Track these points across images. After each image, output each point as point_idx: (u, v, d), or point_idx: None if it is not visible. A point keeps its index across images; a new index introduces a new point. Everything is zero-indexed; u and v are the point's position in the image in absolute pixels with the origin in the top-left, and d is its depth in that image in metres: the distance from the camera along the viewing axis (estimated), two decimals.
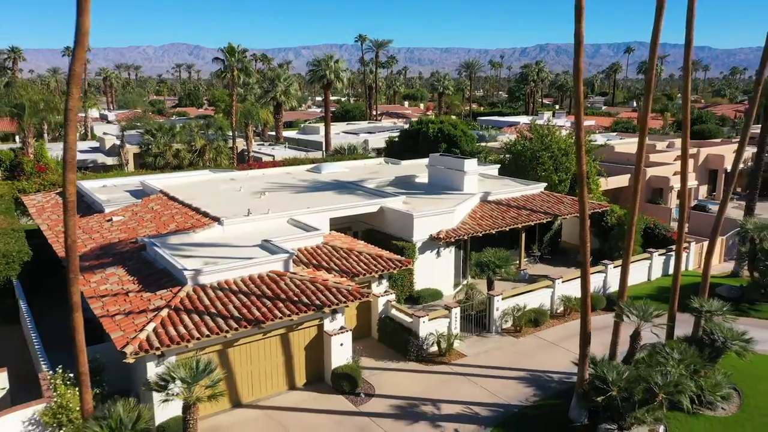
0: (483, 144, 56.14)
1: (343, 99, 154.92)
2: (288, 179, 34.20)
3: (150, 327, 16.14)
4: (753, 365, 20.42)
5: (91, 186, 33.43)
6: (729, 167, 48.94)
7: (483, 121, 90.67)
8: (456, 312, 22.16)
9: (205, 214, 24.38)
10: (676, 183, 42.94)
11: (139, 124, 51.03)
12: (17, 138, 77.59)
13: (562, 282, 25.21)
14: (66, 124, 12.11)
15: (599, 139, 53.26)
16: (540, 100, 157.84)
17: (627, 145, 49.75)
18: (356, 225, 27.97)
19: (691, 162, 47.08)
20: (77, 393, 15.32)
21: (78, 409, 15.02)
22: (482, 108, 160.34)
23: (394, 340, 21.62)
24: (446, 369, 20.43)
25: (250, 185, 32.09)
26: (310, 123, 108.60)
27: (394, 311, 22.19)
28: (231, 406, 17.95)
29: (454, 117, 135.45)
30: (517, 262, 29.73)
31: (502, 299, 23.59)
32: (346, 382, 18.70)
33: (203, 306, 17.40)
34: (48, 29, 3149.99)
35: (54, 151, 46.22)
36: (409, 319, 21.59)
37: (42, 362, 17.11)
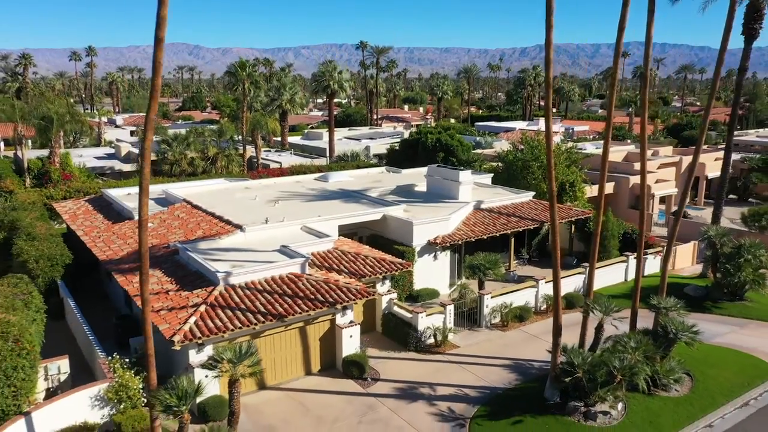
0: (479, 151, 59.22)
1: (344, 101, 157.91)
2: (298, 188, 37.27)
3: (191, 320, 19.20)
4: (707, 354, 23.57)
5: (117, 194, 36.27)
6: (710, 174, 52.22)
7: (480, 126, 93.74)
8: (450, 309, 25.26)
9: (228, 222, 27.44)
10: (657, 190, 46.04)
11: (155, 134, 54.06)
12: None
13: (545, 282, 28.26)
14: (143, 158, 15.09)
15: (588, 147, 56.32)
16: (538, 102, 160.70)
17: (613, 153, 52.69)
18: (361, 231, 31.00)
19: (673, 169, 50.24)
20: (132, 374, 18.49)
21: (135, 387, 18.17)
22: (481, 111, 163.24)
23: (396, 333, 24.73)
24: (441, 358, 23.53)
25: (264, 194, 35.18)
26: (312, 128, 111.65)
27: (396, 308, 25.29)
28: (257, 388, 21.02)
29: (453, 120, 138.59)
30: (507, 264, 32.80)
31: (491, 297, 26.70)
32: (355, 369, 21.80)
33: (234, 303, 20.48)
34: (48, 29, 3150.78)
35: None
36: (409, 315, 24.68)
37: (98, 350, 20.17)
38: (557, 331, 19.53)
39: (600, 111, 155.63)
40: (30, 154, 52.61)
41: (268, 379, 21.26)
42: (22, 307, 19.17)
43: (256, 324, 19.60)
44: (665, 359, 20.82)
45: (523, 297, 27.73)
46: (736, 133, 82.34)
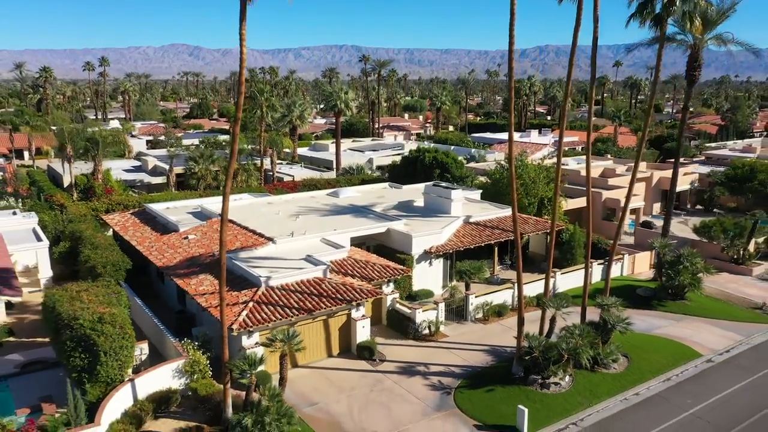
0: (473, 165, 65.30)
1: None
2: (313, 203, 43.40)
3: (243, 314, 25.30)
4: (646, 342, 29.74)
5: (159, 208, 42.35)
6: (678, 188, 58.27)
7: (476, 137, 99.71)
8: (442, 306, 31.42)
9: (261, 235, 33.56)
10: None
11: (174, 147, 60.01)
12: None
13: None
14: (227, 179, 21.13)
15: (570, 162, 62.37)
16: (533, 109, 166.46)
17: (592, 168, 58.67)
18: (369, 241, 37.07)
19: (643, 184, 56.34)
20: (201, 354, 24.62)
21: (203, 363, 24.29)
22: (478, 118, 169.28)
23: (398, 325, 30.87)
24: (434, 344, 29.66)
25: (285, 208, 41.33)
26: (317, 137, 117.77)
27: (398, 305, 31.43)
28: (291, 366, 27.10)
29: (451, 127, 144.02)
30: (492, 269, 38.90)
31: (476, 297, 32.85)
32: (366, 352, 27.93)
33: (274, 300, 26.59)
34: (48, 30, 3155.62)
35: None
36: (408, 311, 30.81)
37: (169, 337, 26.28)
38: (521, 322, 25.70)
39: (593, 119, 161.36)
40: (57, 166, 58.38)
41: (299, 359, 27.37)
42: (116, 303, 25.26)
43: (291, 317, 25.71)
44: (606, 344, 26.95)
45: (502, 297, 33.86)
46: (714, 145, 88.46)
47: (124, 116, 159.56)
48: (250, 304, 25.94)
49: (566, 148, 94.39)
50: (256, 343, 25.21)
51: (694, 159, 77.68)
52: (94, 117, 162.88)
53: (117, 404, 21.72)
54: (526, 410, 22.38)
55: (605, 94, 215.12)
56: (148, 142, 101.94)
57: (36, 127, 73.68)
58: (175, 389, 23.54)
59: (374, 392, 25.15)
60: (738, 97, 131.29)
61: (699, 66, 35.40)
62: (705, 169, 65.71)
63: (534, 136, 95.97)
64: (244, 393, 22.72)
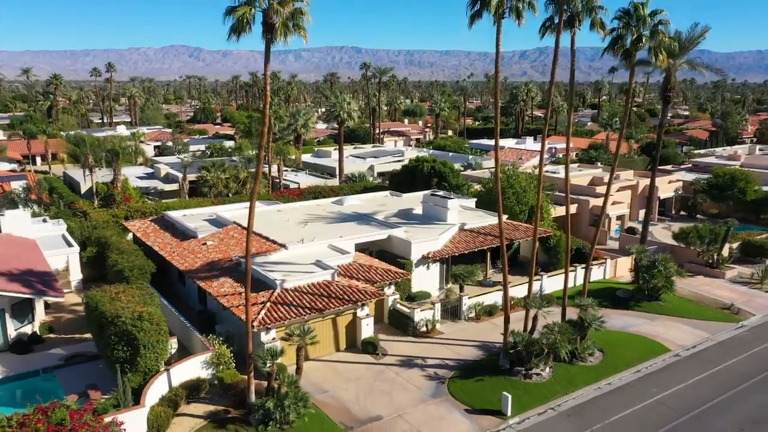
0: (469, 172, 68.73)
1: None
2: (320, 210, 46.77)
3: (262, 313, 28.65)
4: (621, 338, 33.14)
5: (176, 215, 45.66)
6: (662, 195, 61.71)
7: (473, 144, 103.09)
8: (438, 306, 34.80)
9: (274, 242, 36.92)
10: (613, 211, 55.50)
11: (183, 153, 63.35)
12: (38, 159, 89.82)
13: (510, 287, 37.65)
14: (251, 202, 24.50)
15: (560, 171, 65.65)
16: (531, 113, 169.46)
17: (581, 176, 62.15)
18: (372, 247, 40.39)
19: (629, 192, 59.76)
20: (225, 347, 27.99)
21: (227, 356, 27.66)
22: (477, 122, 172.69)
23: (398, 323, 34.25)
24: (431, 341, 33.03)
25: (294, 216, 44.71)
26: (320, 142, 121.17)
27: (398, 305, 34.80)
28: (304, 359, 30.46)
29: (450, 132, 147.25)
30: (485, 272, 42.24)
31: (469, 298, 36.23)
32: (370, 347, 31.29)
33: (288, 301, 29.95)
34: (48, 31, 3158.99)
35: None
36: (408, 311, 34.19)
37: (196, 333, 29.64)
38: (507, 320, 29.13)
39: (589, 124, 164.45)
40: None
41: (311, 353, 30.70)
42: (150, 303, 28.62)
43: (303, 316, 29.07)
44: (584, 340, 30.34)
45: (492, 298, 37.22)
46: (703, 152, 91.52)
47: (129, 120, 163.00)
48: (268, 305, 29.29)
49: (560, 155, 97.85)
50: (273, 339, 28.57)
51: (682, 166, 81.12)
52: (100, 120, 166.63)
53: (156, 390, 25.09)
54: (510, 396, 25.78)
55: (603, 97, 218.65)
56: (155, 147, 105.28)
57: (52, 135, 77.03)
58: (204, 378, 26.92)
59: (377, 382, 28.52)
60: (729, 103, 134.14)
61: (672, 88, 38.77)
62: (691, 176, 69.11)
63: (529, 143, 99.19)
64: (264, 382, 26.10)
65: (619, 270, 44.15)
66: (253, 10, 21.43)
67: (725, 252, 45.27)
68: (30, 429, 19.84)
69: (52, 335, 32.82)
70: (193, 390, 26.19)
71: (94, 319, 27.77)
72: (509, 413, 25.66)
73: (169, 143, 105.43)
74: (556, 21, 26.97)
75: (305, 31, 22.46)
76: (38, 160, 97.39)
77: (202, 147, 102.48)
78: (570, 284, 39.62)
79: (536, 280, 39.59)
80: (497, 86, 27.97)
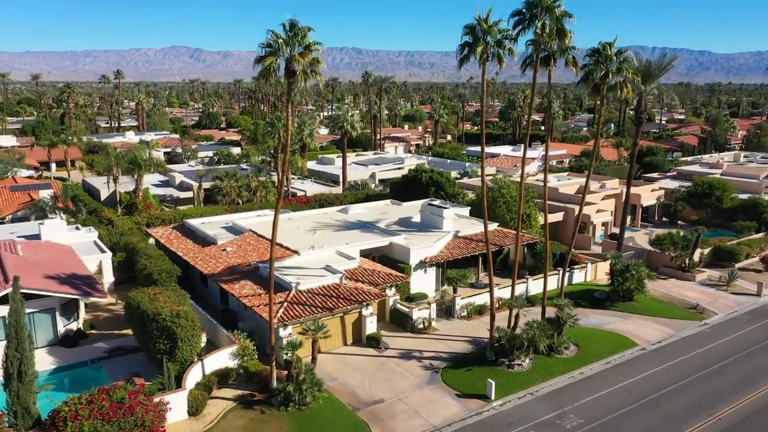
0: (465, 180, 73.13)
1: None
2: (327, 219, 51.19)
3: (281, 311, 33.03)
4: (595, 334, 37.55)
5: (196, 223, 50.01)
6: (644, 203, 66.04)
7: (470, 151, 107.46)
8: (434, 306, 39.22)
9: (287, 248, 41.30)
10: (597, 218, 59.87)
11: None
12: (53, 166, 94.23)
13: (499, 288, 42.07)
14: (275, 215, 28.88)
15: (551, 180, 69.98)
16: (527, 120, 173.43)
17: (569, 185, 66.50)
18: (374, 252, 44.75)
19: (613, 200, 64.10)
20: (249, 341, 32.39)
21: (251, 348, 32.07)
22: (475, 128, 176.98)
23: (398, 321, 38.65)
24: (427, 336, 37.45)
25: (303, 224, 49.11)
26: (322, 147, 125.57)
27: (398, 305, 39.20)
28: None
29: (449, 137, 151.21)
30: (477, 275, 46.62)
31: (461, 299, 40.64)
32: (374, 341, 35.70)
33: (302, 301, 34.34)
34: (49, 32, 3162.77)
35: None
36: (407, 310, 38.59)
37: (222, 329, 34.03)
38: (492, 318, 33.57)
39: (584, 129, 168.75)
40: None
41: (322, 347, 35.02)
42: (183, 303, 33.00)
43: (316, 314, 33.47)
44: (560, 335, 34.74)
45: (482, 299, 41.59)
46: (690, 159, 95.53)
47: (135, 124, 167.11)
48: (285, 304, 33.69)
49: (553, 162, 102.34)
50: (290, 334, 32.99)
51: (668, 174, 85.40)
52: (107, 124, 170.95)
53: (192, 377, 29.48)
54: (494, 383, 30.21)
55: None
56: (165, 154, 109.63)
57: (71, 143, 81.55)
58: (231, 367, 31.34)
59: (380, 371, 32.93)
60: (717, 111, 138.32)
61: (644, 110, 43.18)
62: (675, 184, 73.54)
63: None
64: (284, 372, 30.50)
65: (599, 273, 48.53)
66: (277, 59, 25.87)
67: (696, 257, 49.63)
68: (96, 405, 24.28)
69: (93, 331, 37.23)
70: (222, 377, 30.60)
71: (136, 317, 32.16)
72: (493, 397, 30.06)
73: (179, 150, 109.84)
74: (535, 59, 31.35)
75: (321, 76, 26.88)
76: (53, 166, 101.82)
77: (210, 153, 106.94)
78: (553, 286, 44.18)
79: (522, 282, 44.05)
80: (483, 116, 32.30)
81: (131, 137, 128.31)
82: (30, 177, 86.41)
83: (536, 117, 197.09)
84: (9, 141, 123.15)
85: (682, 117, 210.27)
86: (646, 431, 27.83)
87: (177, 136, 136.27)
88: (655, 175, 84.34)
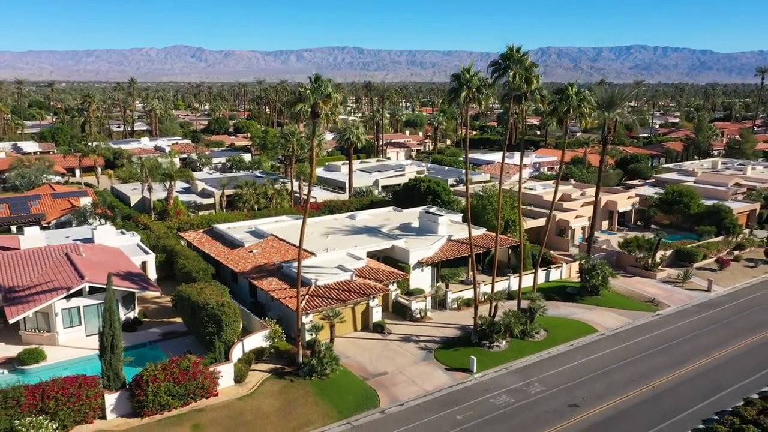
0: (461, 187, 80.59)
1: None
2: (337, 224, 58.77)
3: (304, 302, 40.55)
4: (564, 323, 45.08)
5: (222, 227, 57.56)
6: (621, 209, 73.43)
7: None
8: (429, 299, 46.83)
9: (306, 250, 48.75)
10: (575, 223, 67.32)
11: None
12: (77, 172, 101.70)
13: (484, 285, 49.58)
14: (302, 224, 36.41)
15: (537, 188, 77.52)
16: (525, 123, 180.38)
17: (552, 193, 73.73)
18: (379, 254, 52.23)
19: (591, 207, 71.44)
20: (279, 327, 39.97)
21: (280, 332, 39.62)
22: (474, 132, 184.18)
23: (399, 311, 46.23)
24: (423, 324, 45.01)
25: (317, 229, 56.66)
26: (329, 153, 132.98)
27: (399, 298, 46.78)
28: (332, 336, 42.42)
29: (448, 141, 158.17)
30: (466, 273, 54.10)
31: (453, 293, 48.22)
32: (379, 327, 43.27)
33: (321, 294, 41.88)
34: (50, 32, 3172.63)
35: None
36: (406, 302, 46.15)
37: (255, 317, 41.56)
38: (476, 308, 41.15)
39: (578, 134, 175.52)
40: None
41: (336, 332, 42.62)
42: (224, 295, 40.52)
43: (332, 304, 41.02)
44: (532, 323, 42.28)
45: (470, 293, 49.09)
46: (671, 166, 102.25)
47: (145, 128, 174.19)
48: (307, 297, 41.24)
49: (543, 169, 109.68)
50: (311, 320, 40.54)
51: (647, 180, 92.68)
52: (118, 128, 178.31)
53: (235, 354, 37.03)
54: (476, 359, 37.75)
55: None
56: (181, 160, 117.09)
57: (100, 153, 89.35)
58: (265, 347, 38.91)
59: (384, 351, 40.51)
60: (702, 117, 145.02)
61: (610, 132, 50.60)
62: (652, 191, 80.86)
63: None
64: (308, 351, 38.05)
65: (573, 272, 56.03)
66: (306, 105, 33.39)
67: (658, 257, 57.11)
68: (169, 371, 31.90)
69: (146, 319, 44.83)
70: (258, 354, 38.17)
71: (187, 306, 39.72)
72: (475, 370, 37.58)
73: (194, 156, 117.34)
74: (509, 98, 38.88)
75: (339, 117, 34.41)
76: (77, 172, 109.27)
77: (222, 159, 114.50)
78: (531, 283, 51.64)
79: (504, 280, 51.56)
80: (467, 142, 39.69)
81: (146, 143, 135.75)
82: (58, 183, 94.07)
83: (534, 120, 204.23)
84: (32, 147, 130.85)
85: (677, 120, 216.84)
86: (593, 394, 35.36)
87: (189, 141, 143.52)
88: (635, 182, 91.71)
